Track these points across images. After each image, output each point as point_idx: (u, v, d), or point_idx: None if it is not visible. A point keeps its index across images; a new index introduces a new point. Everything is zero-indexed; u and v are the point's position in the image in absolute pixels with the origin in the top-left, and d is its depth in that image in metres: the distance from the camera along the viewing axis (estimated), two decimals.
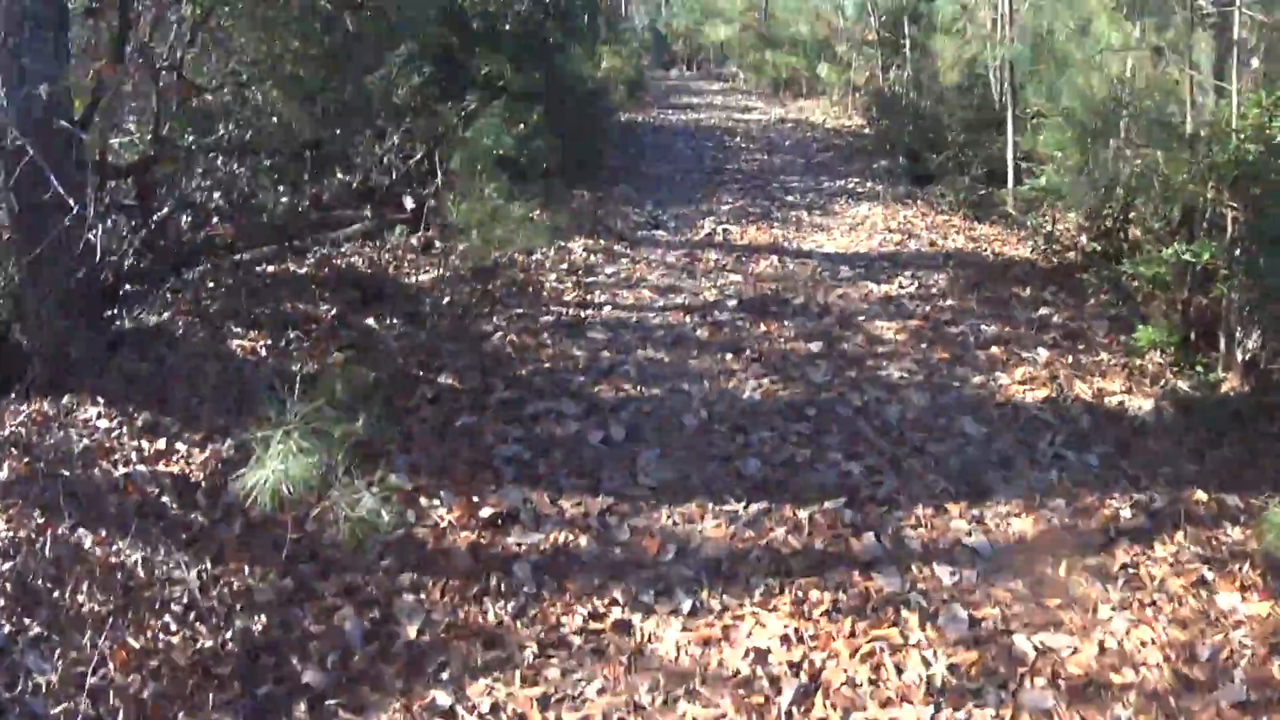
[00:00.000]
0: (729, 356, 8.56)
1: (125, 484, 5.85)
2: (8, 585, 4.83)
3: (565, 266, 10.96)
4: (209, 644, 4.91)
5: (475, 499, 6.34)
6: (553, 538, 6.03)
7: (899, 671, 4.94)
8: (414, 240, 10.77)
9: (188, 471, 6.14)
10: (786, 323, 9.36)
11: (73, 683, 4.45)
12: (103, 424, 6.38)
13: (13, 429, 6.17)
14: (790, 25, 26.33)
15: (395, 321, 8.78)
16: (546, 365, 8.35)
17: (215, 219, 9.04)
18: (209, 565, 5.39)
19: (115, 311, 7.56)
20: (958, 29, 15.36)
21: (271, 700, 4.73)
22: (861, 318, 9.54)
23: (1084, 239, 10.85)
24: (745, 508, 6.32)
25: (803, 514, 6.24)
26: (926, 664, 4.99)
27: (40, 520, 5.30)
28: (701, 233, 12.82)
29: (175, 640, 4.86)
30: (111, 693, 4.48)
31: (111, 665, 4.60)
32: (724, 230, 12.93)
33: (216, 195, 8.96)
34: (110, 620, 4.81)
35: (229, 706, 4.63)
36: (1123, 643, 5.15)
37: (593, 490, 6.51)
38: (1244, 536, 6.03)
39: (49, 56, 6.52)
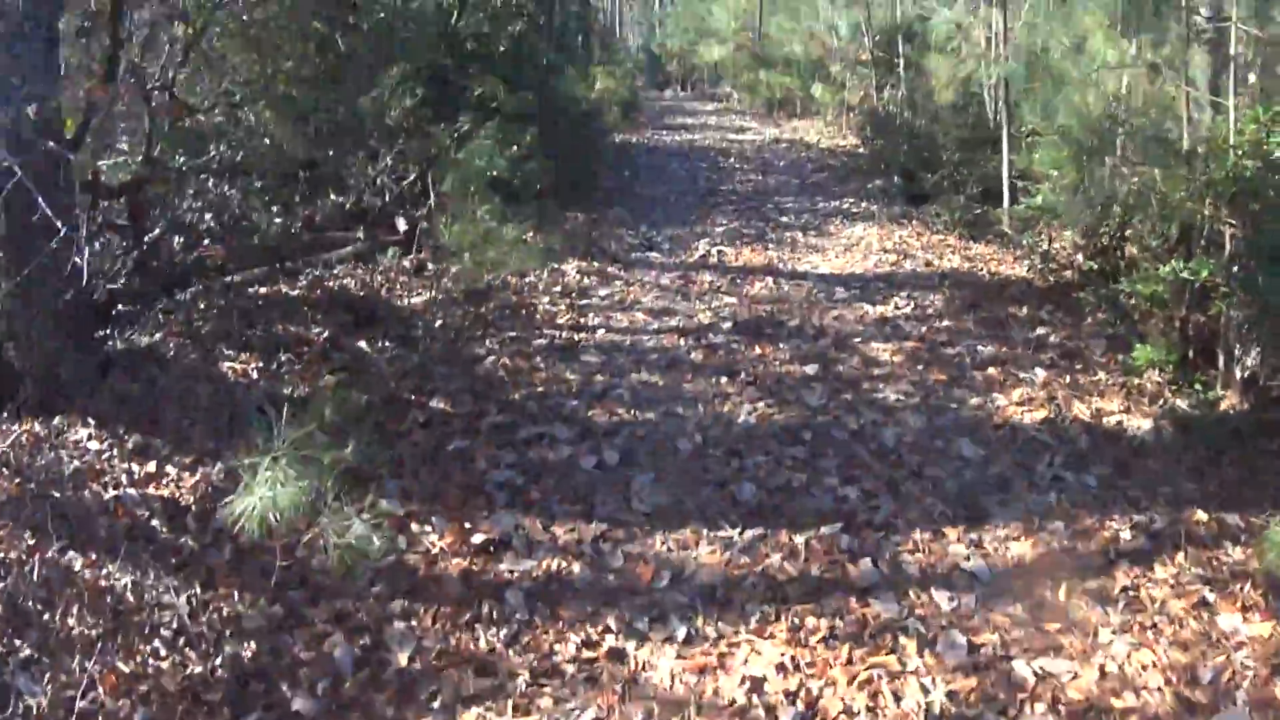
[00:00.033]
0: (724, 379, 8.49)
1: (115, 506, 5.80)
2: None
3: (559, 289, 10.89)
4: (199, 670, 4.85)
5: (467, 525, 6.27)
6: (545, 564, 5.96)
7: (897, 699, 4.87)
8: (406, 262, 10.72)
9: (178, 495, 6.08)
10: (782, 345, 9.30)
11: (62, 706, 4.41)
12: (93, 445, 6.32)
13: (3, 450, 6.09)
14: (784, 45, 26.36)
15: (387, 344, 8.71)
16: (539, 389, 8.29)
17: (207, 240, 8.96)
18: (199, 590, 5.34)
19: (107, 332, 7.48)
20: (952, 48, 15.31)
21: None
22: (857, 339, 9.48)
23: (1080, 257, 10.80)
24: (740, 533, 6.24)
25: (799, 539, 6.17)
26: (925, 691, 4.92)
27: (31, 542, 5.26)
28: (696, 254, 12.77)
29: (165, 665, 4.81)
30: (101, 717, 4.46)
31: (101, 689, 4.57)
32: (718, 252, 12.88)
33: (208, 216, 8.90)
34: (100, 644, 4.77)
35: None
36: (1124, 666, 5.09)
37: (586, 516, 6.44)
38: (1245, 556, 5.98)
39: (39, 76, 6.47)
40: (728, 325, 9.82)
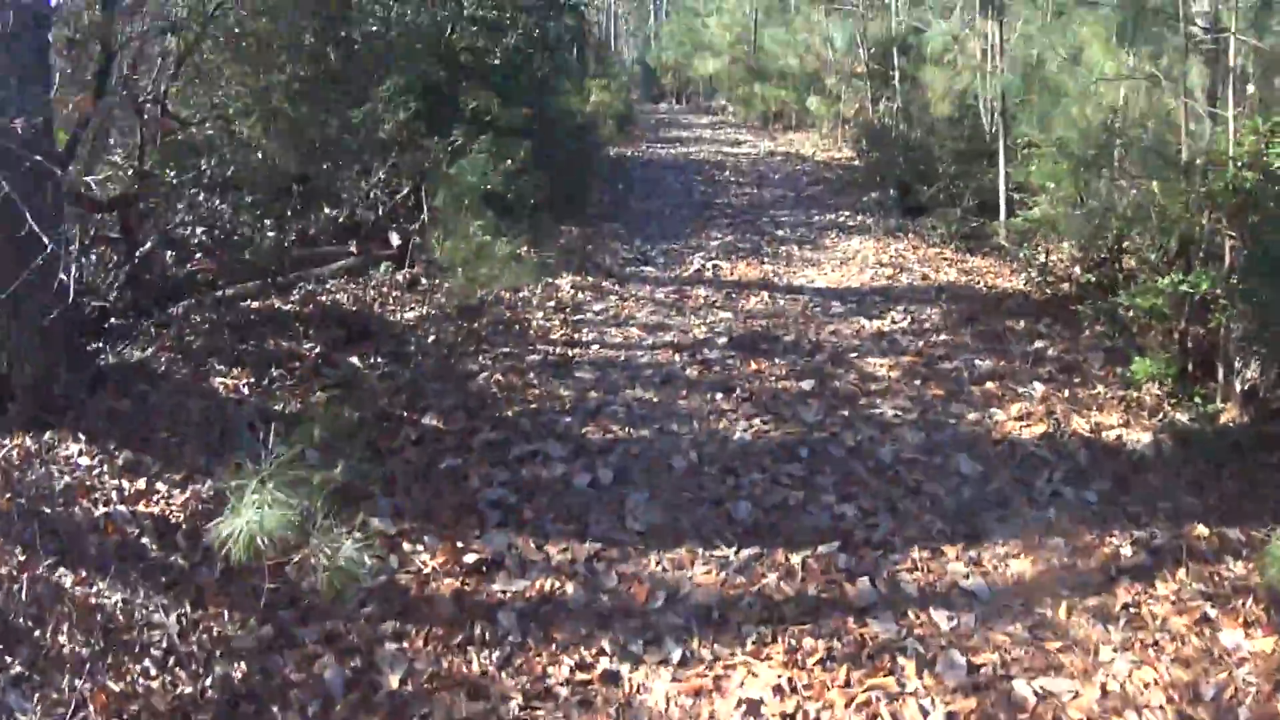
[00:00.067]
0: (719, 396, 8.43)
1: (105, 524, 5.79)
2: None
3: (553, 304, 10.81)
4: (189, 690, 4.83)
5: (459, 544, 6.22)
6: (539, 585, 5.90)
7: None
8: (400, 277, 10.67)
9: (168, 512, 6.06)
10: (777, 360, 9.23)
11: None
12: (84, 461, 6.31)
13: None
14: (779, 58, 26.28)
15: (380, 360, 8.66)
16: (533, 405, 8.22)
17: (199, 254, 8.90)
18: (188, 609, 5.31)
19: (100, 345, 7.49)
20: (949, 60, 15.26)
21: None
22: (854, 354, 9.41)
23: (1078, 270, 10.74)
24: (736, 553, 6.19)
25: (795, 559, 6.11)
26: (924, 713, 4.88)
27: (21, 558, 5.25)
28: (691, 269, 12.71)
29: (155, 685, 4.79)
30: None
31: (92, 708, 4.56)
32: (713, 266, 12.81)
33: (199, 231, 8.84)
34: (90, 662, 4.76)
35: None
36: (1125, 685, 5.05)
37: (580, 535, 6.38)
38: (1246, 571, 5.95)
39: (28, 89, 6.45)
40: (723, 340, 9.75)
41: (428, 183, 9.92)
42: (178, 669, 4.92)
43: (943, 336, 9.85)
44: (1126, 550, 6.21)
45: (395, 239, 11.07)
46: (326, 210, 10.35)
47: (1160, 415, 7.94)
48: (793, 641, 5.40)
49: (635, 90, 38.85)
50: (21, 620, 4.87)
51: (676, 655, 5.31)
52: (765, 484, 7.00)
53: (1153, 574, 5.98)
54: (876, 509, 6.70)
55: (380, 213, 11.07)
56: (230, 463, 5.23)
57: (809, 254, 13.41)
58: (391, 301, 10.24)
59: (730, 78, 31.55)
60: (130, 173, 8.45)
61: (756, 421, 7.94)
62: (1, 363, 6.68)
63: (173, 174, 8.40)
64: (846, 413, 8.12)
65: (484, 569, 6.02)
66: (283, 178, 9.52)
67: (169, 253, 8.89)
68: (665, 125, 30.51)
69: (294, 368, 8.20)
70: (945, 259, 12.80)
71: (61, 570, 5.28)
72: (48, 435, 6.45)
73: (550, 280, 11.43)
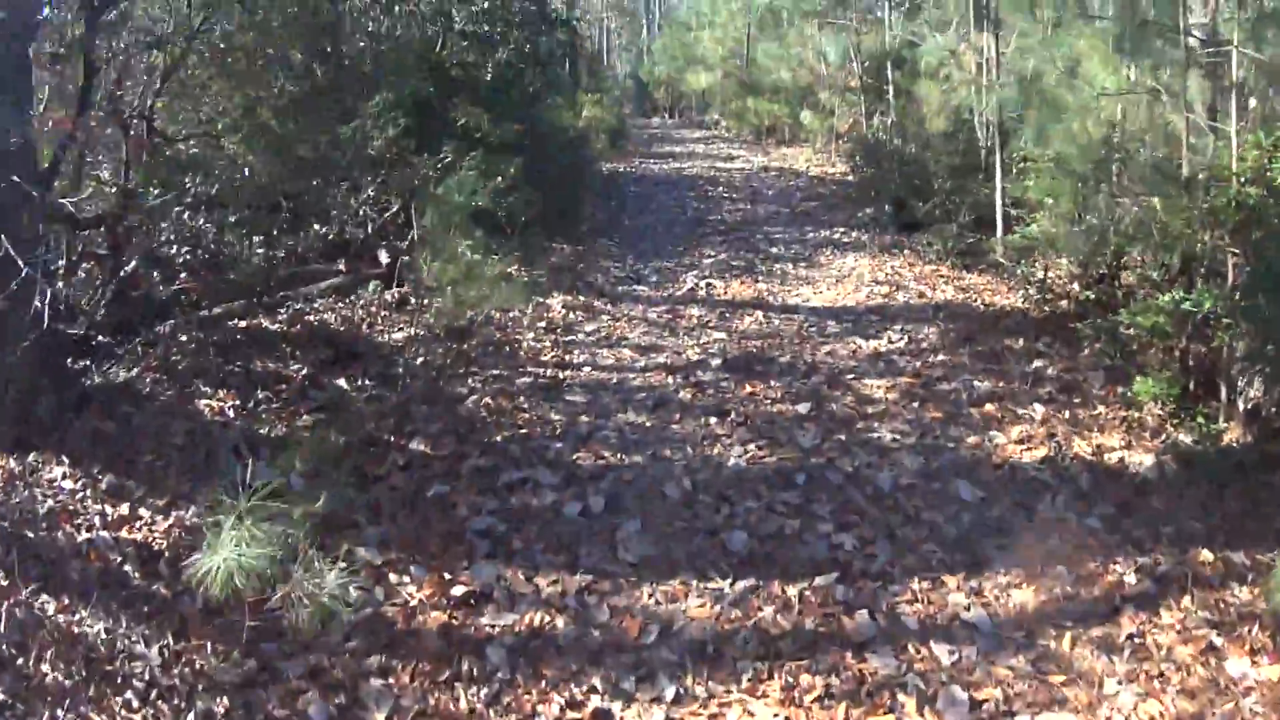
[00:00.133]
0: (713, 420, 8.28)
1: (88, 550, 5.73)
2: None
3: (543, 324, 10.69)
4: None
5: (447, 575, 6.10)
6: (528, 618, 5.78)
7: None
8: (388, 296, 10.56)
9: (150, 539, 5.97)
10: (772, 382, 9.10)
11: None
12: (67, 485, 6.24)
13: None
14: (772, 72, 26.29)
15: (367, 382, 8.56)
16: (523, 430, 8.09)
17: (184, 274, 8.78)
18: (170, 641, 5.21)
19: (86, 365, 7.40)
20: (945, 74, 15.17)
21: None
22: (850, 376, 9.28)
23: (1076, 287, 10.64)
24: (731, 585, 6.07)
25: (792, 591, 5.99)
26: None
27: (4, 583, 5.18)
28: (684, 288, 12.57)
29: (137, 719, 4.71)
30: None
31: None
32: (707, 285, 12.68)
33: (184, 250, 8.71)
34: (72, 694, 4.70)
35: None
36: (1130, 718, 4.99)
37: (570, 567, 6.25)
38: (1252, 596, 5.89)
39: (7, 106, 6.34)
40: (717, 362, 9.61)
41: (417, 199, 9.79)
42: (159, 702, 4.83)
43: (940, 356, 9.73)
44: (1130, 578, 6.12)
45: (384, 257, 10.96)
46: (316, 227, 10.23)
47: (1163, 436, 7.85)
48: (790, 678, 5.28)
49: (628, 105, 38.90)
50: (4, 647, 4.79)
51: (670, 693, 5.19)
52: (760, 512, 6.87)
53: (1157, 602, 5.89)
54: (875, 538, 6.57)
55: (369, 230, 10.97)
56: (214, 489, 5.20)
57: (804, 272, 13.31)
58: (380, 321, 10.14)
59: (723, 92, 31.56)
60: (115, 190, 8.34)
61: (751, 447, 7.80)
62: None
63: (157, 191, 8.27)
64: (843, 437, 8.00)
65: (472, 601, 5.90)
66: (270, 195, 9.42)
67: (155, 272, 8.74)
68: (658, 140, 30.50)
69: (280, 390, 8.12)
70: (942, 276, 12.70)
71: (44, 597, 5.21)
72: (31, 457, 6.38)
73: (541, 300, 11.32)
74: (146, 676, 4.95)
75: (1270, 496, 6.88)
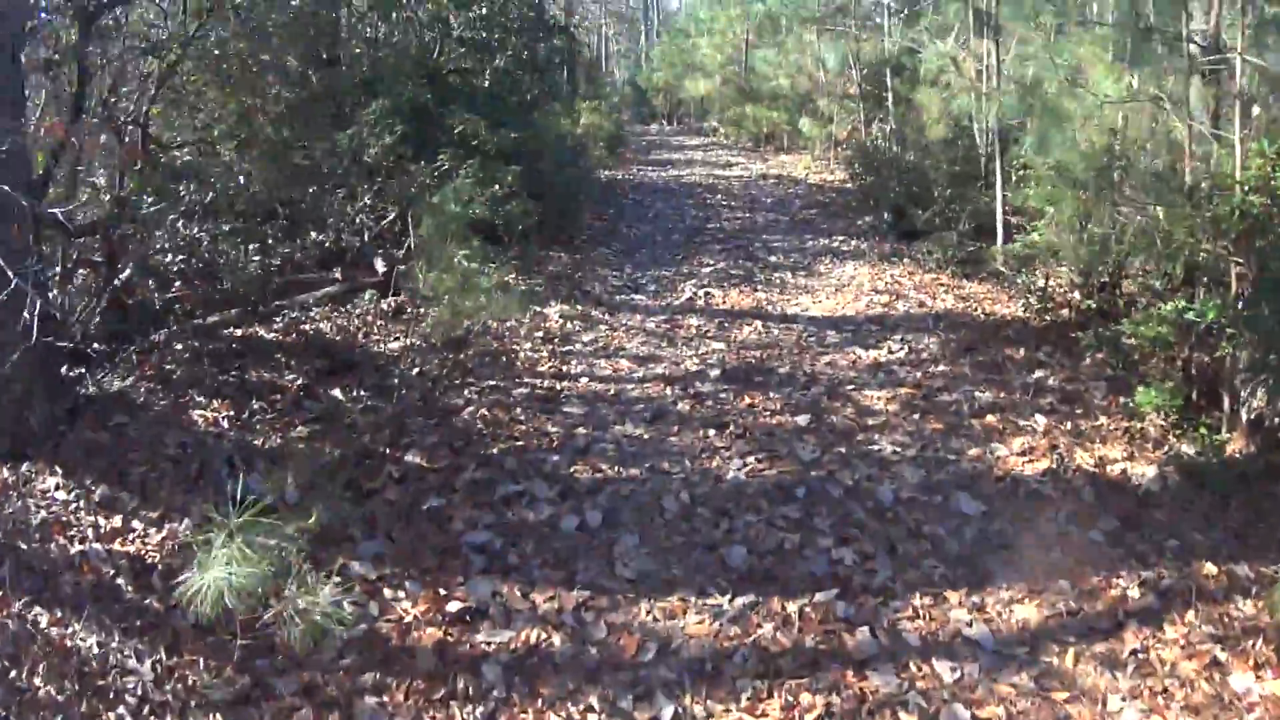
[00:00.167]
0: (711, 432, 8.22)
1: (81, 562, 5.73)
2: None
3: (540, 334, 10.60)
4: None
5: (442, 591, 6.05)
6: (524, 635, 5.73)
7: None
8: (384, 305, 10.49)
9: (143, 552, 5.95)
10: (772, 394, 9.01)
11: None
12: (60, 496, 6.23)
13: None
14: (770, 79, 26.25)
15: (363, 393, 8.49)
16: (519, 442, 8.02)
17: (179, 282, 8.74)
18: (163, 656, 5.21)
19: (82, 372, 7.39)
20: (946, 81, 15.10)
21: None
22: (850, 387, 9.20)
23: (1077, 296, 10.57)
24: (730, 601, 6.01)
25: (792, 607, 5.93)
26: None
27: None
28: (682, 297, 12.46)
29: None
30: None
31: None
32: (705, 294, 12.58)
33: (179, 258, 8.67)
34: (66, 708, 4.75)
35: None
36: None
37: (567, 582, 6.20)
38: (1256, 610, 5.85)
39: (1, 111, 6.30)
40: (715, 373, 9.52)
41: (414, 208, 9.75)
42: (152, 718, 4.84)
43: (941, 367, 9.64)
44: (1134, 592, 6.07)
45: (380, 266, 10.90)
46: (312, 235, 10.20)
47: (1165, 447, 7.78)
48: (790, 697, 5.24)
49: (626, 112, 38.87)
50: None
51: (668, 712, 5.15)
52: (760, 527, 6.80)
53: (1161, 617, 5.85)
54: (876, 553, 6.51)
55: (365, 238, 10.92)
56: (206, 503, 5.39)
57: (803, 280, 13.21)
58: (376, 331, 10.07)
59: (721, 99, 31.50)
60: (108, 198, 8.29)
61: (751, 459, 7.74)
62: None
63: (150, 199, 8.22)
64: (844, 449, 7.92)
65: (468, 618, 5.85)
66: (266, 203, 9.39)
67: (149, 280, 8.70)
68: (656, 147, 30.44)
69: (275, 401, 8.07)
70: (942, 285, 12.61)
71: (38, 609, 5.22)
72: (25, 467, 6.39)
73: (538, 309, 11.24)
74: (139, 692, 4.93)
75: (1274, 507, 6.84)
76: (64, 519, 6.03)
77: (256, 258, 9.23)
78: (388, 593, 6.02)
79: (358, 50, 13.38)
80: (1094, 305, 10.00)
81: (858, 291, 12.52)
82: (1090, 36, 9.34)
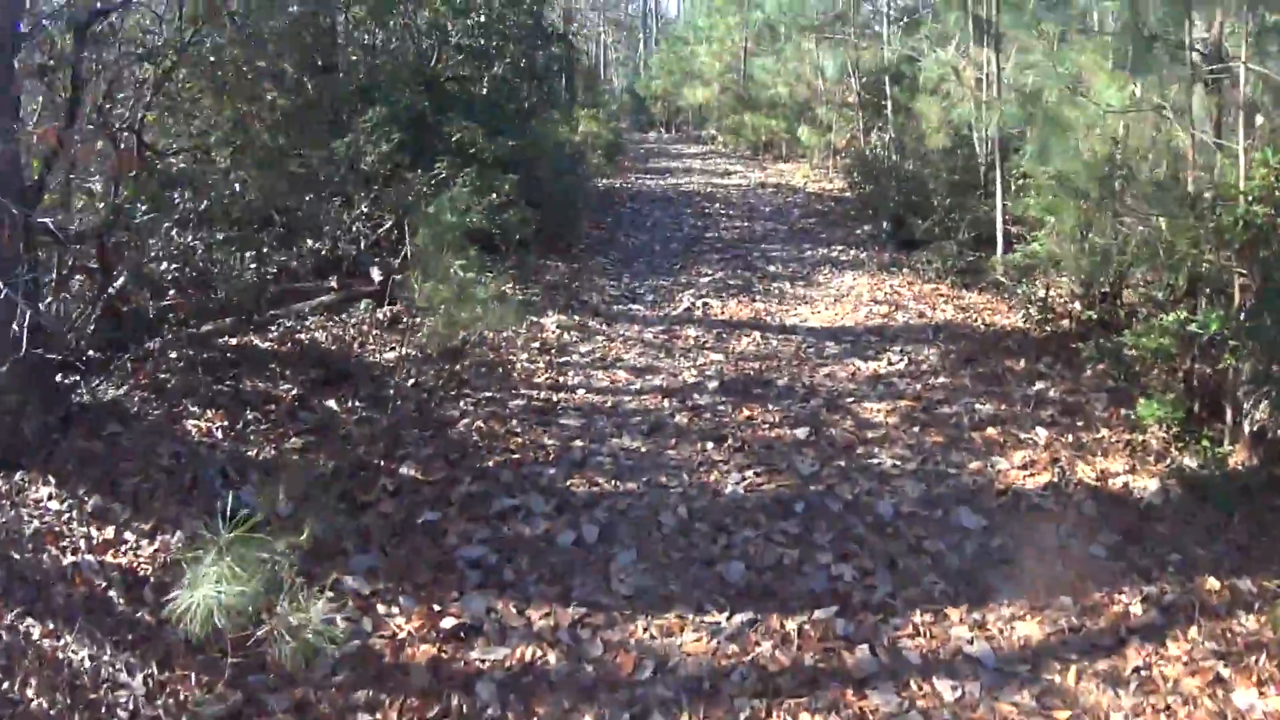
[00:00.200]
0: (710, 445, 8.15)
1: (74, 574, 5.71)
2: None
3: (537, 345, 10.52)
4: None
5: (436, 607, 5.99)
6: (519, 653, 5.66)
7: None
8: (380, 314, 10.41)
9: (136, 564, 5.91)
10: (770, 406, 8.95)
11: None
12: (53, 506, 6.20)
13: None
14: (769, 87, 26.20)
15: (358, 404, 8.44)
16: (515, 455, 7.95)
17: (173, 291, 8.69)
18: (155, 670, 5.17)
19: (76, 380, 7.37)
20: (947, 90, 15.05)
21: None
22: (850, 399, 9.14)
23: (1077, 306, 10.51)
24: (728, 618, 5.94)
25: (791, 625, 5.87)
26: None
27: None
28: (680, 307, 12.40)
29: None
30: None
31: None
32: (703, 304, 12.52)
33: (173, 266, 8.62)
34: None
35: None
36: None
37: (563, 599, 6.13)
38: (1259, 625, 5.81)
39: None
40: (714, 385, 9.45)
41: (410, 217, 9.69)
42: None
43: (941, 379, 9.59)
44: (1136, 608, 6.02)
45: (376, 275, 10.83)
46: (308, 243, 10.14)
47: (1167, 460, 7.73)
48: (789, 716, 5.18)
49: (624, 119, 38.85)
50: None
51: None
52: (759, 542, 6.74)
53: (1164, 633, 5.80)
54: (875, 568, 6.45)
55: (362, 247, 10.86)
56: (198, 516, 5.46)
57: (801, 291, 13.16)
58: (371, 340, 10.01)
59: (720, 107, 31.47)
60: (103, 206, 8.24)
61: (749, 473, 7.68)
62: None
63: (144, 207, 8.17)
64: (843, 463, 7.87)
65: (462, 634, 5.78)
66: (262, 210, 9.34)
67: (144, 288, 8.66)
68: (654, 155, 30.39)
69: (269, 411, 8.02)
70: (941, 295, 12.55)
71: (30, 620, 5.18)
72: (18, 476, 6.35)
73: (535, 319, 11.17)
74: (131, 706, 4.90)
75: (1277, 520, 6.81)
76: (57, 529, 5.98)
77: (252, 266, 9.18)
78: (381, 608, 5.95)
79: (354, 57, 13.34)
80: (1095, 316, 9.94)
81: (857, 302, 12.47)
82: (1092, 44, 9.30)
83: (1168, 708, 5.18)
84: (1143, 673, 5.46)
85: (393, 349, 9.66)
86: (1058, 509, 7.15)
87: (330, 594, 4.53)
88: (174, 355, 8.37)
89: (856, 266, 14.43)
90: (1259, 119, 8.21)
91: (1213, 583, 6.18)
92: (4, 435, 6.47)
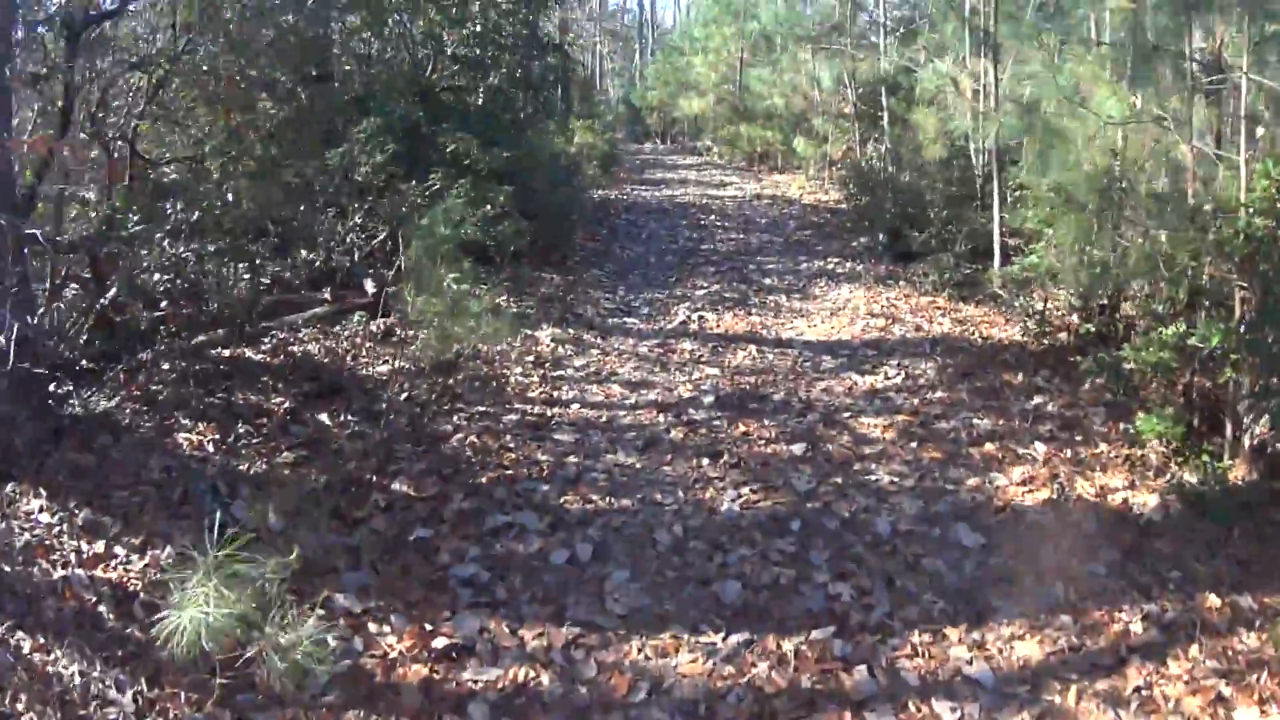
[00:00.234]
0: (705, 461, 8.07)
1: (64, 588, 5.63)
2: None
3: (532, 358, 10.44)
4: None
5: (428, 626, 5.89)
6: (512, 673, 5.57)
7: None
8: (374, 327, 10.33)
9: (125, 579, 5.83)
10: (766, 421, 8.87)
11: None
12: (44, 518, 6.13)
13: None
14: (765, 98, 26.22)
15: (350, 418, 8.36)
16: (509, 471, 7.86)
17: (164, 302, 8.63)
18: (144, 687, 5.08)
19: (69, 390, 7.30)
20: (943, 100, 15.00)
21: None
22: (846, 414, 9.07)
23: (1075, 319, 10.48)
24: (724, 639, 5.85)
25: (788, 645, 5.79)
26: None
27: None
28: (675, 320, 12.33)
29: None
30: None
31: None
32: (699, 317, 12.45)
33: (165, 278, 8.56)
34: None
35: None
36: None
37: (557, 618, 6.04)
38: (1260, 643, 5.76)
39: None
40: (709, 399, 9.38)
41: (404, 228, 9.64)
42: None
43: (938, 393, 9.53)
44: (1137, 626, 5.95)
45: (370, 287, 10.78)
46: (303, 254, 10.08)
47: (1167, 475, 7.66)
48: None
49: (620, 130, 38.91)
50: None
51: None
52: (755, 561, 6.64)
53: (1165, 651, 5.73)
54: (873, 587, 6.36)
55: (356, 258, 10.80)
56: (188, 532, 5.41)
57: (798, 304, 13.11)
58: (365, 353, 9.93)
59: (716, 118, 31.51)
60: (95, 216, 8.18)
61: (745, 490, 7.59)
62: None
63: (136, 217, 8.11)
64: (840, 480, 7.79)
65: (454, 654, 5.68)
66: (255, 221, 9.27)
67: (137, 299, 8.60)
68: (650, 166, 30.38)
69: (261, 424, 7.93)
70: (938, 308, 12.52)
71: (20, 634, 5.10)
72: (9, 488, 6.29)
73: (529, 332, 11.11)
74: None
75: (1277, 535, 6.77)
76: (47, 542, 5.92)
77: (246, 276, 9.11)
78: (372, 627, 5.86)
79: (349, 67, 13.30)
80: (1093, 329, 9.89)
81: (853, 315, 12.43)
82: (1091, 55, 9.24)
83: None
84: (1144, 692, 5.39)
85: (386, 362, 9.59)
86: (1057, 526, 7.07)
87: (321, 611, 4.50)
88: (166, 367, 8.30)
89: (853, 279, 14.40)
90: (1260, 130, 8.16)
91: (1213, 600, 6.12)
92: None
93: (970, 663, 5.66)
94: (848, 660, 5.66)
